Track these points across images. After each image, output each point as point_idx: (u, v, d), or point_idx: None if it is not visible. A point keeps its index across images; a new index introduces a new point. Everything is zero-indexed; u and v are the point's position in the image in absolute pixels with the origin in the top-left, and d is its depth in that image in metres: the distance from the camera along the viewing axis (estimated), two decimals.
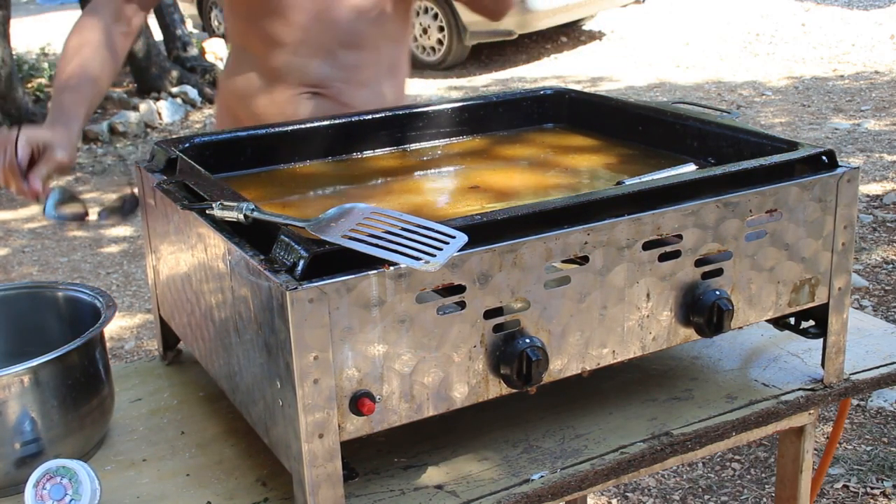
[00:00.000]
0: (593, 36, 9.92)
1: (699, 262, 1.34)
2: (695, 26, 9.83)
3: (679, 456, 1.39)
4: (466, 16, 8.76)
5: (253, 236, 1.22)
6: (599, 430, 1.40)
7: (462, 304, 1.18)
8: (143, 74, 8.59)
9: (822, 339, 1.49)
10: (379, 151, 1.79)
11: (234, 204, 1.22)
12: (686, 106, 1.75)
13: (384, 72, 2.04)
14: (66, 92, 1.73)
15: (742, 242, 1.37)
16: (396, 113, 1.81)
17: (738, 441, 1.46)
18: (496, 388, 1.24)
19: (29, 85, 8.32)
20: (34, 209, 6.28)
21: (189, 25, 10.42)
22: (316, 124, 1.75)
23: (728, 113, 1.67)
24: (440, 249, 1.10)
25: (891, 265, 4.25)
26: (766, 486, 2.86)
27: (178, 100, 8.46)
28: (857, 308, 2.58)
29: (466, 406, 1.23)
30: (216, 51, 9.65)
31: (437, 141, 1.84)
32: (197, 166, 1.43)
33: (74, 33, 1.81)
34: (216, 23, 10.95)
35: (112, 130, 7.78)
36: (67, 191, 1.61)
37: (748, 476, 2.94)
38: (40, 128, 1.64)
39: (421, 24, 9.18)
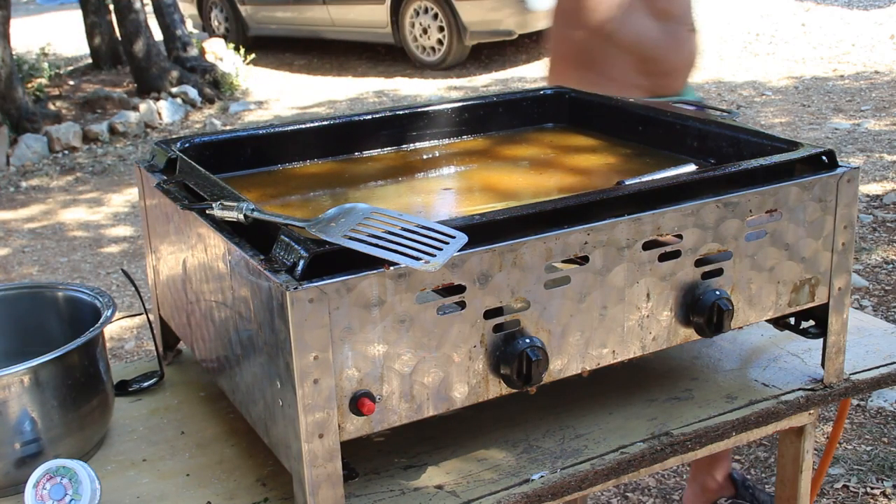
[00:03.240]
0: None
1: (699, 262, 1.34)
2: None
3: (679, 456, 1.39)
4: (466, 16, 8.77)
5: (253, 236, 1.22)
6: (599, 430, 1.40)
7: (462, 304, 1.18)
8: (143, 74, 8.59)
9: (822, 339, 1.49)
10: (379, 151, 1.79)
11: (234, 204, 1.22)
12: (686, 106, 1.75)
13: None
14: None
15: (742, 242, 1.37)
16: (396, 113, 1.81)
17: (738, 441, 1.46)
18: (496, 388, 1.24)
19: (29, 85, 8.32)
20: (34, 209, 6.29)
21: (189, 25, 10.42)
22: (316, 124, 1.75)
23: (728, 113, 1.67)
24: (440, 249, 1.10)
25: (891, 265, 4.25)
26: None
27: (178, 100, 8.47)
28: (857, 308, 2.58)
29: (466, 406, 1.23)
30: (216, 51, 9.65)
31: (437, 141, 1.84)
32: (197, 166, 1.43)
33: None
34: (216, 23, 10.95)
35: (112, 130, 7.79)
36: None
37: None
38: None
39: (421, 24, 9.18)
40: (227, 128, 6.74)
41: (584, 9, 2.25)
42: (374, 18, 9.49)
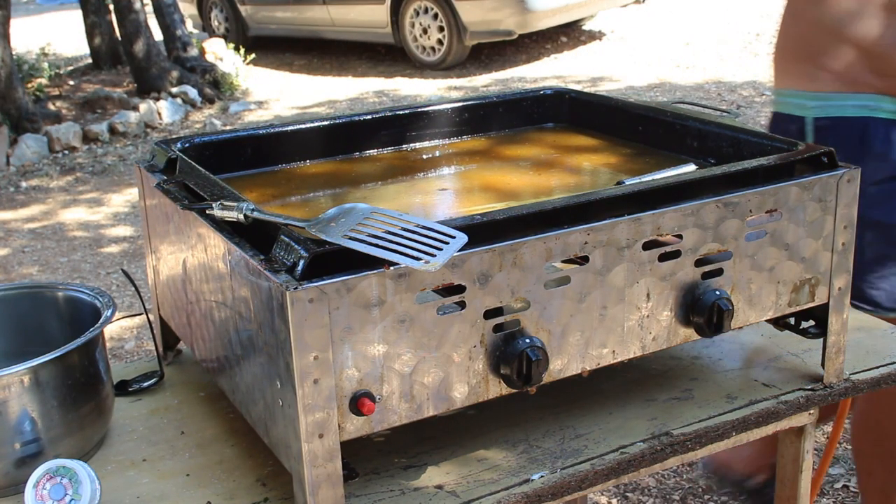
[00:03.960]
0: (593, 36, 9.92)
1: (699, 262, 1.34)
2: (695, 26, 9.82)
3: (679, 456, 1.39)
4: (466, 16, 8.77)
5: (253, 236, 1.22)
6: (599, 430, 1.40)
7: (462, 304, 1.18)
8: (143, 74, 8.59)
9: (822, 339, 1.49)
10: (379, 151, 1.79)
11: (234, 204, 1.22)
12: (686, 106, 1.75)
13: None
14: None
15: (742, 242, 1.37)
16: (396, 113, 1.82)
17: (738, 441, 1.46)
18: (496, 388, 1.24)
19: (29, 85, 8.32)
20: (34, 209, 6.29)
21: (189, 25, 10.42)
22: (316, 124, 1.75)
23: (728, 113, 1.67)
24: (440, 249, 1.10)
25: None
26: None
27: (178, 100, 8.47)
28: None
29: (466, 406, 1.23)
30: (216, 51, 9.65)
31: (437, 141, 1.84)
32: (197, 166, 1.43)
33: None
34: (216, 23, 10.95)
35: (112, 130, 7.79)
36: None
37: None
38: None
39: (421, 24, 9.18)
40: (228, 128, 6.74)
41: None
42: (374, 18, 9.49)
